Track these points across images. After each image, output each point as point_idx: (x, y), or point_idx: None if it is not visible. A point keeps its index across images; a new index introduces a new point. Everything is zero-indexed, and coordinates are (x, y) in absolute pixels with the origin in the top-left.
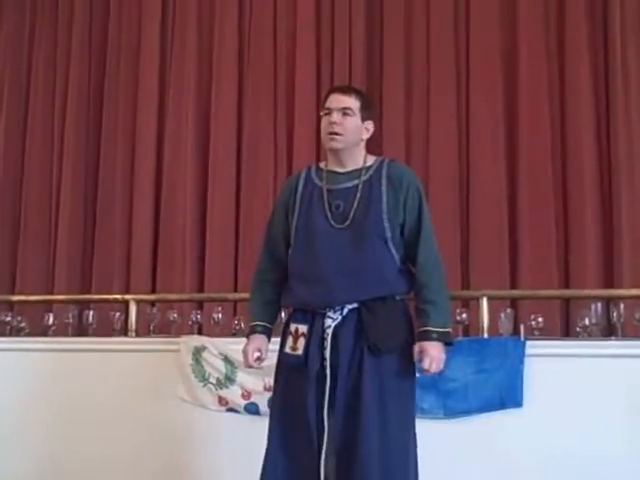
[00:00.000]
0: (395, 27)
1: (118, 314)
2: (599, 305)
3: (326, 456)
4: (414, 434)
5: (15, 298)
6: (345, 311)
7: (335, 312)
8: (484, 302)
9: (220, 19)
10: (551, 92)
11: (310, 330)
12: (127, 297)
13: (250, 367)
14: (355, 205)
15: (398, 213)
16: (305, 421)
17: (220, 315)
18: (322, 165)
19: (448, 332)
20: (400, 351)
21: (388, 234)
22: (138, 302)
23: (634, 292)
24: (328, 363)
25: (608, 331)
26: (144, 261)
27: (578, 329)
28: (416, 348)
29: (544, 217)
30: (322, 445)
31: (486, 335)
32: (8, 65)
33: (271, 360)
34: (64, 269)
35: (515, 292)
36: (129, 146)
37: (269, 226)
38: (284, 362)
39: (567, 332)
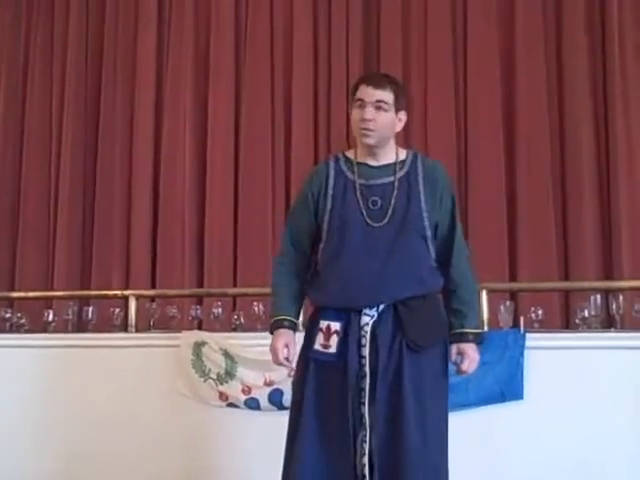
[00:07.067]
0: (393, 26)
1: (118, 310)
2: (598, 297)
3: (369, 453)
4: (447, 431)
5: (15, 295)
6: (381, 308)
7: (371, 309)
8: (484, 295)
9: (216, 18)
10: (549, 86)
11: (345, 328)
12: (127, 293)
13: (280, 365)
14: (393, 202)
15: (435, 211)
16: (344, 418)
17: (220, 310)
18: (350, 155)
19: (481, 333)
20: (437, 348)
21: (428, 232)
22: (138, 298)
23: (633, 284)
24: (367, 361)
25: (608, 323)
26: (143, 256)
27: (578, 321)
28: (454, 349)
29: (543, 209)
30: (364, 442)
31: (486, 328)
32: (5, 63)
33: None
34: (63, 265)
35: (514, 285)
36: (127, 142)
37: (292, 217)
38: (313, 360)
39: (567, 324)
